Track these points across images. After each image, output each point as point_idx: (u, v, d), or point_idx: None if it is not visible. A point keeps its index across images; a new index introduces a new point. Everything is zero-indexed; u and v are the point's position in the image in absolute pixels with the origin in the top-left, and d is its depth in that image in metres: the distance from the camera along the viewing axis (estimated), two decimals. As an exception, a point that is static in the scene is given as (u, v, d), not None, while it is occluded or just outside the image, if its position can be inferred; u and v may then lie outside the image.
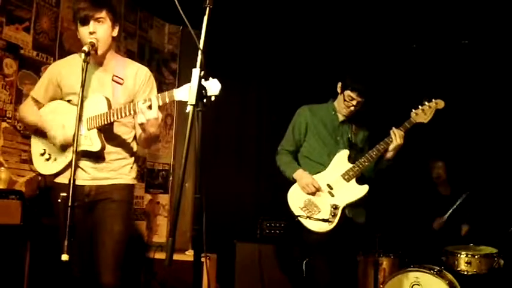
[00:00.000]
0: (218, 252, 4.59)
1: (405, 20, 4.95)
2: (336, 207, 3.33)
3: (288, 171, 3.52)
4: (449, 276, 3.93)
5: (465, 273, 4.04)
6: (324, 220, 3.29)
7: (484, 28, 4.89)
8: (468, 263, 4.04)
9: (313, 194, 3.38)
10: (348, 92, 3.41)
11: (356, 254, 4.05)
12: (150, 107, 2.46)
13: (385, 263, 4.20)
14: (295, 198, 3.43)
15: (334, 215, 3.30)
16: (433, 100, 3.40)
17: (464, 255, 4.08)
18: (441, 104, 3.40)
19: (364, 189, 3.39)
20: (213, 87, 2.02)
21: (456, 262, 4.10)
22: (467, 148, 5.01)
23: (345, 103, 3.44)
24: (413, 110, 3.41)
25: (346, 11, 4.96)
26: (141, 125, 2.55)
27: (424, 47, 5.19)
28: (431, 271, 3.86)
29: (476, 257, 4.06)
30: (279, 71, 5.48)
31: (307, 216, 3.33)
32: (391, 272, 4.09)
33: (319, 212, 3.34)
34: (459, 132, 5.05)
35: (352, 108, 3.44)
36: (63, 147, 2.70)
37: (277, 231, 4.84)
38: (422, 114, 3.39)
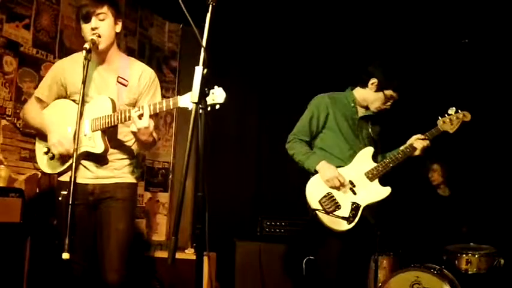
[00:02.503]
0: (218, 251, 4.58)
1: (410, 17, 4.95)
2: (357, 207, 3.17)
3: (308, 162, 3.26)
4: (450, 275, 3.92)
5: (466, 272, 4.05)
6: (343, 218, 3.12)
7: (484, 27, 4.89)
8: (469, 262, 4.04)
9: (335, 188, 3.20)
10: (389, 92, 3.29)
11: (371, 255, 3.82)
12: (141, 116, 2.45)
13: (385, 262, 4.20)
14: (315, 191, 3.22)
15: (354, 214, 3.15)
16: (460, 111, 3.32)
17: (465, 254, 4.08)
18: (468, 117, 3.32)
19: (387, 191, 3.26)
20: (218, 95, 2.02)
21: (457, 261, 4.10)
22: (467, 148, 5.01)
23: (377, 103, 3.33)
24: (440, 118, 3.32)
25: (346, 11, 4.95)
26: (133, 133, 2.56)
27: (423, 45, 5.18)
28: (432, 270, 3.85)
29: (476, 256, 4.06)
30: (281, 69, 5.47)
31: (326, 212, 3.14)
32: (392, 271, 4.08)
33: (339, 208, 3.18)
34: (459, 132, 5.04)
35: (388, 107, 3.36)
36: (63, 157, 2.68)
37: (277, 230, 4.84)
38: (449, 123, 3.30)
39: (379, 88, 3.30)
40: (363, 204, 3.20)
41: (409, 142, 3.33)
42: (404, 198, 4.81)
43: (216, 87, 2.02)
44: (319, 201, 3.20)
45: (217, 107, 2.03)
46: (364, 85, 3.36)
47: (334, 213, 3.15)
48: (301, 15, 5.09)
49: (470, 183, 4.84)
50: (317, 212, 3.14)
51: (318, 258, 3.36)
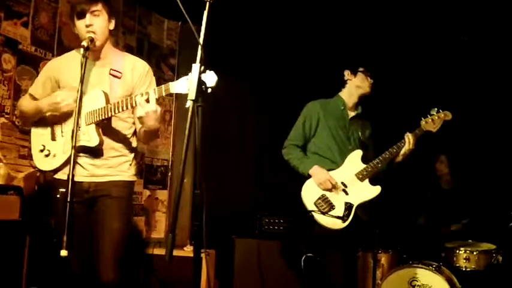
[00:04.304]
0: (217, 248, 4.59)
1: (404, 16, 4.95)
2: (350, 206, 3.35)
3: (302, 167, 3.49)
4: (448, 272, 3.94)
5: (464, 269, 4.06)
6: (338, 217, 3.30)
7: (483, 24, 4.89)
8: (467, 259, 4.06)
9: (328, 190, 3.40)
10: (362, 68, 3.55)
11: (356, 251, 4.07)
12: (147, 100, 2.46)
13: (383, 259, 4.21)
14: (310, 194, 3.42)
15: (348, 213, 3.32)
16: (441, 111, 3.49)
17: (463, 251, 4.10)
18: (449, 115, 3.49)
19: (377, 190, 3.42)
20: (209, 79, 2.02)
21: (455, 258, 4.11)
22: (469, 143, 5.02)
23: (366, 81, 3.55)
24: (422, 118, 3.49)
25: (345, 10, 4.95)
26: (140, 118, 2.55)
27: (423, 43, 5.18)
28: (430, 267, 3.86)
29: (474, 253, 4.07)
30: (279, 69, 5.48)
31: (322, 212, 3.34)
32: (390, 268, 4.10)
33: (334, 208, 3.37)
34: (461, 127, 5.06)
35: (371, 81, 3.56)
36: (64, 142, 2.69)
37: (276, 227, 4.84)
38: (431, 123, 3.47)
39: (354, 71, 3.57)
40: (355, 203, 3.38)
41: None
42: (403, 195, 4.83)
43: (207, 71, 2.01)
44: (314, 203, 3.39)
45: (209, 90, 2.02)
46: (344, 83, 3.62)
47: (329, 213, 3.34)
48: (299, 15, 5.09)
49: (475, 177, 4.86)
50: (313, 213, 3.34)
51: (324, 266, 3.46)
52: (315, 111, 3.57)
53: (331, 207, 3.37)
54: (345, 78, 3.60)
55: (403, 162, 3.50)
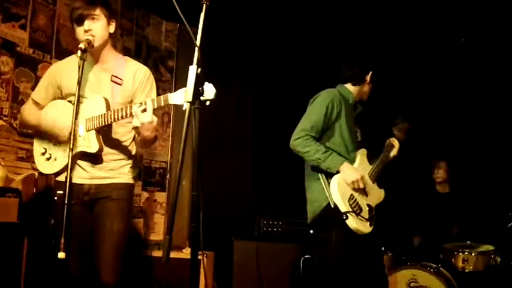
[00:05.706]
0: (215, 250, 4.58)
1: (403, 17, 4.96)
2: (371, 208, 3.12)
3: (330, 161, 3.02)
4: (447, 273, 3.94)
5: (462, 270, 4.05)
6: (367, 220, 3.03)
7: (482, 25, 4.89)
8: (465, 260, 4.05)
9: (358, 190, 3.07)
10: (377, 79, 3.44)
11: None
12: (144, 111, 2.45)
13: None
14: (341, 192, 3.00)
15: (371, 216, 3.08)
16: (403, 121, 3.52)
17: (461, 252, 4.09)
18: (408, 127, 3.52)
19: (383, 193, 3.30)
20: (208, 91, 2.02)
21: (453, 259, 4.10)
22: (467, 147, 5.03)
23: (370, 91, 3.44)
24: (393, 128, 3.52)
25: (341, 12, 4.96)
26: (135, 128, 2.55)
27: (422, 44, 5.19)
28: (428, 269, 3.87)
29: (473, 254, 4.07)
30: (275, 69, 5.48)
31: (356, 214, 2.98)
32: (388, 270, 4.08)
33: (362, 210, 3.04)
34: (459, 130, 5.06)
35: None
36: (64, 147, 2.69)
37: (275, 229, 4.84)
38: (400, 132, 3.49)
39: (373, 78, 3.36)
40: (373, 205, 3.18)
41: (387, 144, 3.45)
42: (401, 196, 4.82)
43: (206, 83, 2.01)
44: (349, 204, 3.01)
45: (208, 103, 2.02)
46: (361, 81, 3.35)
47: (361, 214, 3.03)
48: (295, 15, 5.10)
49: (471, 181, 4.86)
50: (348, 214, 2.95)
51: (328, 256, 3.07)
52: (337, 100, 3.18)
53: (361, 209, 3.04)
54: (366, 77, 3.33)
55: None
